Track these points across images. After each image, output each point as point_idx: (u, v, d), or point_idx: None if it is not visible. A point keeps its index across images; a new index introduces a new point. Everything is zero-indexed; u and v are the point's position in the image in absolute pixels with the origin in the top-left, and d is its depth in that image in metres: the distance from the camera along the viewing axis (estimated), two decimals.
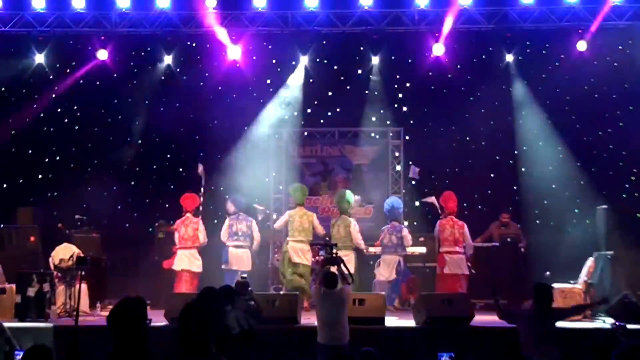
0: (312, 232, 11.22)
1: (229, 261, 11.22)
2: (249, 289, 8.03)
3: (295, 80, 13.36)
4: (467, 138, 13.29)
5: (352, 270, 10.75)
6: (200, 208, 11.55)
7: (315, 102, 13.58)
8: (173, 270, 11.30)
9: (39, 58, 13.24)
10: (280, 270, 11.25)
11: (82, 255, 10.32)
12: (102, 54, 12.97)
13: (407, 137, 13.57)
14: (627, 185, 12.80)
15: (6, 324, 7.75)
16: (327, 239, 10.83)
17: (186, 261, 11.25)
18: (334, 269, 8.07)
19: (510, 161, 13.24)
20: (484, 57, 13.23)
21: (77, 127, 13.62)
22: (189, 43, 13.32)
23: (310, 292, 10.72)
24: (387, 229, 11.44)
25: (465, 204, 11.92)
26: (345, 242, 10.95)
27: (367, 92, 13.43)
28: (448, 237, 11.18)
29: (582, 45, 12.47)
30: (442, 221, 11.28)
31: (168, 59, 13.28)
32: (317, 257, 11.99)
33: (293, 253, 11.06)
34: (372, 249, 12.12)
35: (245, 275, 8.86)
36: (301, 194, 11.47)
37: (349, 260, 10.85)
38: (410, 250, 11.71)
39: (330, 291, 7.64)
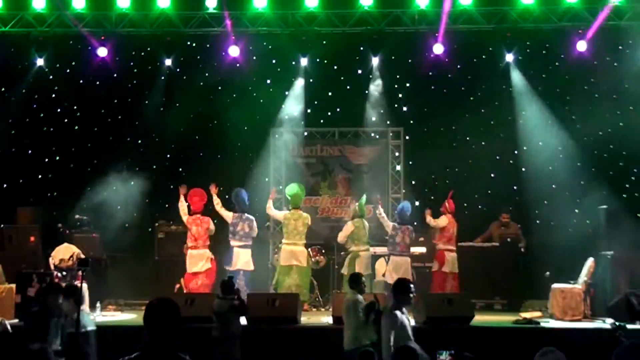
0: (306, 234, 11.32)
1: (232, 261, 11.27)
2: (235, 288, 8.13)
3: (295, 80, 13.35)
4: (467, 138, 13.29)
5: (367, 268, 10.96)
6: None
7: (315, 102, 13.58)
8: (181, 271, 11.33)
9: (40, 58, 13.22)
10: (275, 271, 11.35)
11: (82, 255, 10.37)
12: (102, 51, 12.92)
13: (407, 137, 13.57)
14: (627, 185, 12.80)
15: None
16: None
17: (199, 264, 11.23)
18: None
19: (511, 161, 13.24)
20: (484, 57, 13.22)
21: (77, 127, 13.62)
22: (189, 43, 13.31)
23: (305, 293, 10.84)
24: (401, 228, 11.43)
25: (465, 204, 11.92)
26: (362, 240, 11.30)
27: (367, 92, 13.42)
28: (451, 236, 11.32)
29: (582, 46, 12.45)
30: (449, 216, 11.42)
31: (168, 59, 13.26)
32: (317, 257, 12.02)
33: (285, 256, 11.12)
34: (372, 249, 12.14)
35: (232, 275, 8.89)
36: (297, 197, 11.52)
37: (366, 256, 11.06)
38: (411, 250, 11.75)
39: None
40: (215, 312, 7.89)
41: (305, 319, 9.77)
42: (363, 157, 13.56)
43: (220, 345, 7.56)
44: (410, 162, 13.59)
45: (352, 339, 7.52)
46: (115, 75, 13.32)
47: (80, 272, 9.84)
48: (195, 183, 12.11)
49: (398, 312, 6.46)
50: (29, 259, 11.34)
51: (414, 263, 11.91)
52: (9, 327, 7.33)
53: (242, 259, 11.22)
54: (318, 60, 13.34)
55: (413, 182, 13.59)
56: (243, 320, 8.63)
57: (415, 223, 11.75)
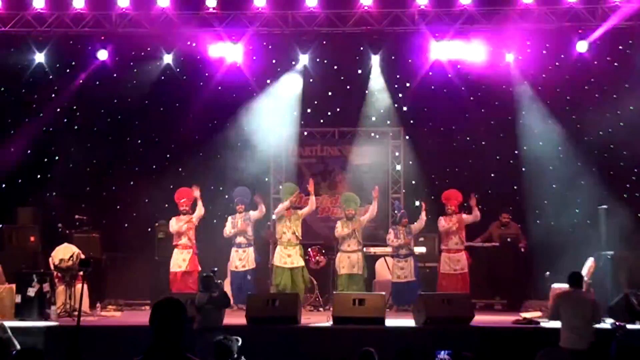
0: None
1: (231, 261, 11.38)
2: (217, 281, 8.24)
3: (295, 80, 13.34)
4: (467, 138, 13.28)
5: (360, 269, 10.99)
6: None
7: (315, 102, 13.57)
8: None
9: (39, 58, 13.20)
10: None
11: (82, 255, 10.39)
12: (102, 54, 12.96)
13: (407, 137, 13.57)
14: (627, 185, 12.79)
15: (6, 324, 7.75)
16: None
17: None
18: None
19: (511, 161, 13.24)
20: (483, 57, 13.20)
21: (76, 127, 13.61)
22: (189, 43, 13.31)
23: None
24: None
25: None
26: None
27: (367, 92, 13.41)
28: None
29: (582, 46, 12.47)
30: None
31: (168, 59, 13.26)
32: (317, 258, 12.01)
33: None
34: (372, 249, 12.15)
35: (216, 269, 8.93)
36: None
37: (359, 258, 11.06)
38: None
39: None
40: (196, 305, 8.02)
41: (305, 319, 9.77)
42: (363, 157, 13.54)
43: (200, 338, 7.61)
44: (410, 162, 13.59)
45: (575, 338, 7.53)
46: (115, 75, 13.31)
47: (80, 272, 9.91)
48: (195, 183, 12.12)
49: None
50: (29, 259, 11.34)
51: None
52: (9, 331, 7.32)
53: (241, 258, 11.51)
54: (318, 60, 13.34)
55: (413, 182, 13.58)
56: (243, 320, 8.65)
57: (415, 223, 11.75)
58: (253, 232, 11.70)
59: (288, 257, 11.32)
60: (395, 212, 11.83)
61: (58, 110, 13.62)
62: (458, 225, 11.44)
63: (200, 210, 11.56)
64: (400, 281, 11.29)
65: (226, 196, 12.34)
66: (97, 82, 13.29)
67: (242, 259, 11.46)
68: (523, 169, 13.08)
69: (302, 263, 11.35)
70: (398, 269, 11.37)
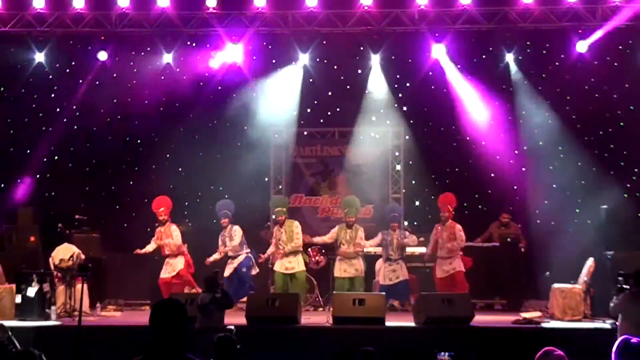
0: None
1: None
2: (220, 281, 8.29)
3: (295, 79, 13.34)
4: (467, 138, 13.28)
5: (362, 272, 10.97)
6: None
7: (315, 102, 13.57)
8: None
9: (39, 58, 13.22)
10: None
11: (82, 255, 10.40)
12: (102, 55, 12.98)
13: (407, 137, 13.57)
14: (628, 185, 12.79)
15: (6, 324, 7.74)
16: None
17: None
18: None
19: (511, 161, 13.24)
20: (484, 57, 13.22)
21: (75, 127, 13.61)
22: (189, 43, 13.31)
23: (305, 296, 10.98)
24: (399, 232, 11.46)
25: (465, 204, 11.92)
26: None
27: (367, 92, 13.41)
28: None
29: (582, 46, 12.48)
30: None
31: (168, 59, 13.26)
32: (316, 258, 11.99)
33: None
34: (372, 249, 12.13)
35: (217, 270, 8.93)
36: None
37: (358, 264, 11.01)
38: (410, 250, 11.74)
39: None
40: (198, 305, 8.04)
41: (305, 319, 9.77)
42: (363, 157, 13.53)
43: (201, 337, 7.62)
44: (410, 162, 13.58)
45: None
46: (115, 75, 13.31)
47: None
48: (195, 183, 12.12)
49: None
50: (29, 259, 11.34)
51: (414, 263, 11.93)
52: (9, 331, 7.31)
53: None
54: (318, 60, 13.34)
55: (413, 182, 13.58)
56: (243, 320, 8.64)
57: (415, 223, 11.75)
58: (241, 244, 11.48)
59: (289, 263, 11.31)
60: (391, 214, 11.66)
61: (58, 110, 13.62)
62: (446, 239, 11.14)
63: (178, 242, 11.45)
64: (391, 283, 11.17)
65: (226, 196, 12.32)
66: (97, 82, 13.29)
67: (231, 263, 11.45)
68: (523, 169, 13.09)
69: (301, 267, 11.30)
70: (390, 272, 11.26)
